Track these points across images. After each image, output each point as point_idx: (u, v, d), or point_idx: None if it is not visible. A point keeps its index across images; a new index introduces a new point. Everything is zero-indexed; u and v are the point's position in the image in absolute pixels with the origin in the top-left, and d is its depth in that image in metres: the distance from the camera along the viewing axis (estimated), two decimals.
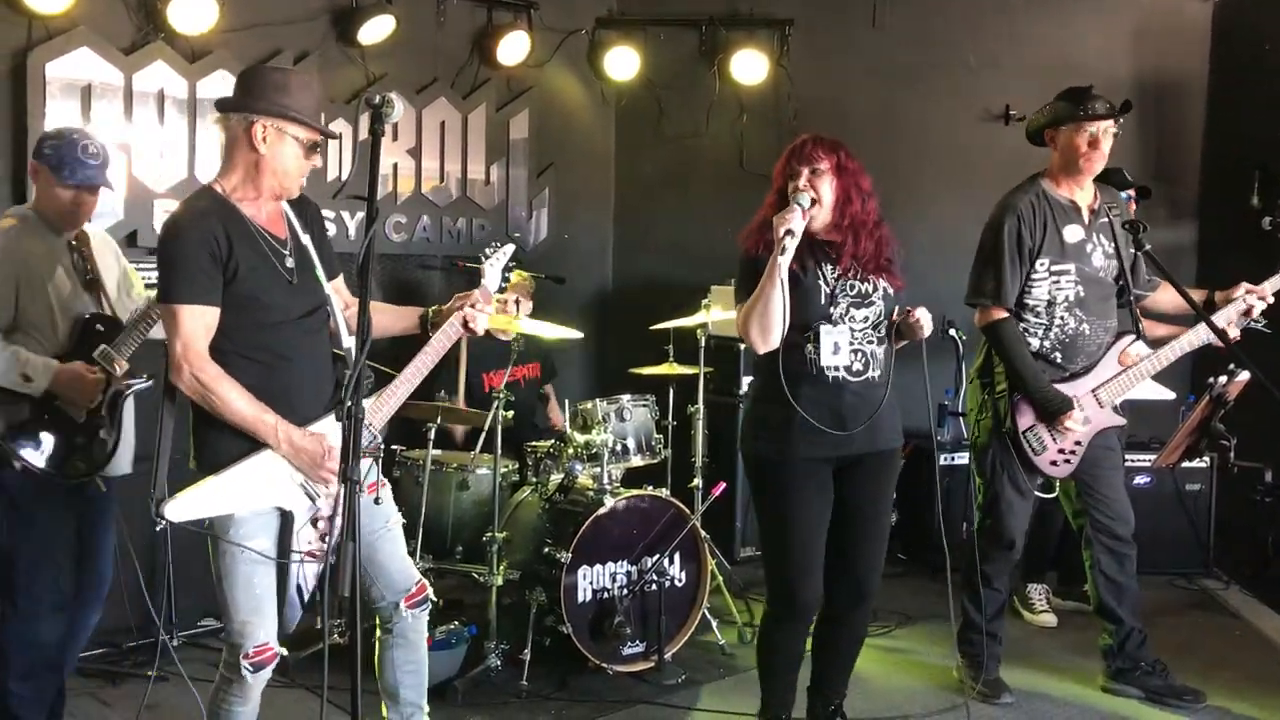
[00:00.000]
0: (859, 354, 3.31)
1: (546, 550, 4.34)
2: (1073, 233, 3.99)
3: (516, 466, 4.84)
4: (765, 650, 3.52)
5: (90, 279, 3.49)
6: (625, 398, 4.74)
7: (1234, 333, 3.90)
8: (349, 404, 2.33)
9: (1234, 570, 5.60)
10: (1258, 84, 5.73)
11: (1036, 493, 4.13)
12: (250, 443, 2.86)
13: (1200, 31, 6.13)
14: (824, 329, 3.27)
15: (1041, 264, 3.95)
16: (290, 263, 2.96)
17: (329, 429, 2.94)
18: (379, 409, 3.10)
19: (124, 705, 3.91)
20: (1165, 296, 4.21)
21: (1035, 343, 3.99)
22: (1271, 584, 5.28)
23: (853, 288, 3.32)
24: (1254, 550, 5.39)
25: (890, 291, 3.36)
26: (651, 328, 5.21)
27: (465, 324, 3.13)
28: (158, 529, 2.81)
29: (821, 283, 3.29)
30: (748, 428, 3.46)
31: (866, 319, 3.32)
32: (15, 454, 3.29)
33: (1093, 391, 3.98)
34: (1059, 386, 3.96)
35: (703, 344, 5.07)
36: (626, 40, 6.50)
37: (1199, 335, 3.95)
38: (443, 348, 3.15)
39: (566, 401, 4.88)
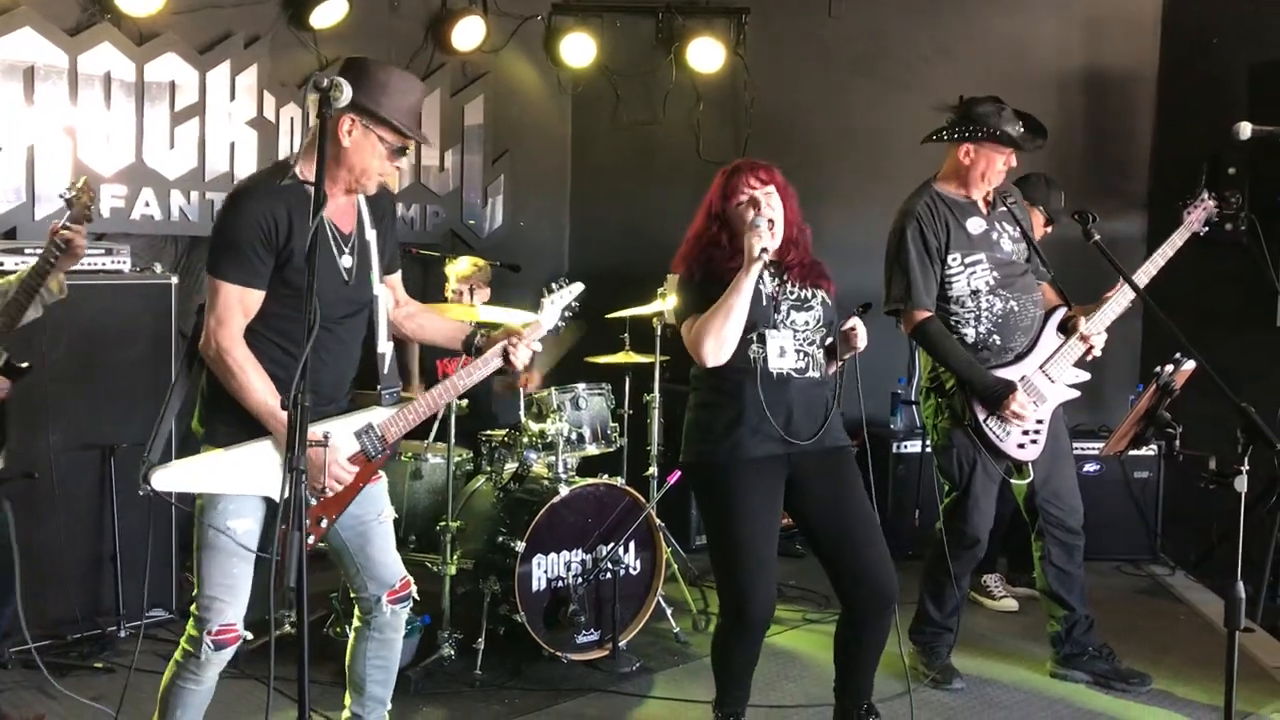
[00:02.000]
0: (801, 354, 3.33)
1: (501, 539, 4.32)
2: (975, 225, 4.02)
3: (471, 455, 4.81)
4: (720, 657, 3.48)
5: None
6: (580, 386, 4.72)
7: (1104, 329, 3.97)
8: (295, 392, 2.30)
9: (1180, 556, 5.69)
10: (1206, 76, 5.80)
11: (1008, 478, 4.11)
12: (259, 427, 2.84)
13: (1150, 23, 6.19)
14: (769, 334, 3.29)
15: (954, 259, 3.97)
16: (348, 261, 2.92)
17: (337, 430, 2.90)
18: (396, 423, 3.05)
19: (69, 698, 3.85)
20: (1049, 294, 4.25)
21: (971, 331, 4.00)
22: (1215, 570, 5.37)
23: (792, 292, 3.36)
24: (1198, 536, 5.48)
25: (830, 301, 3.40)
26: (607, 316, 5.19)
27: (506, 356, 3.10)
28: (140, 494, 2.76)
29: (762, 289, 3.32)
30: (691, 437, 3.42)
31: (808, 323, 3.35)
32: None
33: (1040, 368, 4.02)
34: (1007, 370, 3.98)
35: (658, 332, 5.07)
36: (583, 26, 6.48)
37: (1126, 298, 3.95)
38: (478, 377, 3.11)
39: (522, 390, 4.85)
